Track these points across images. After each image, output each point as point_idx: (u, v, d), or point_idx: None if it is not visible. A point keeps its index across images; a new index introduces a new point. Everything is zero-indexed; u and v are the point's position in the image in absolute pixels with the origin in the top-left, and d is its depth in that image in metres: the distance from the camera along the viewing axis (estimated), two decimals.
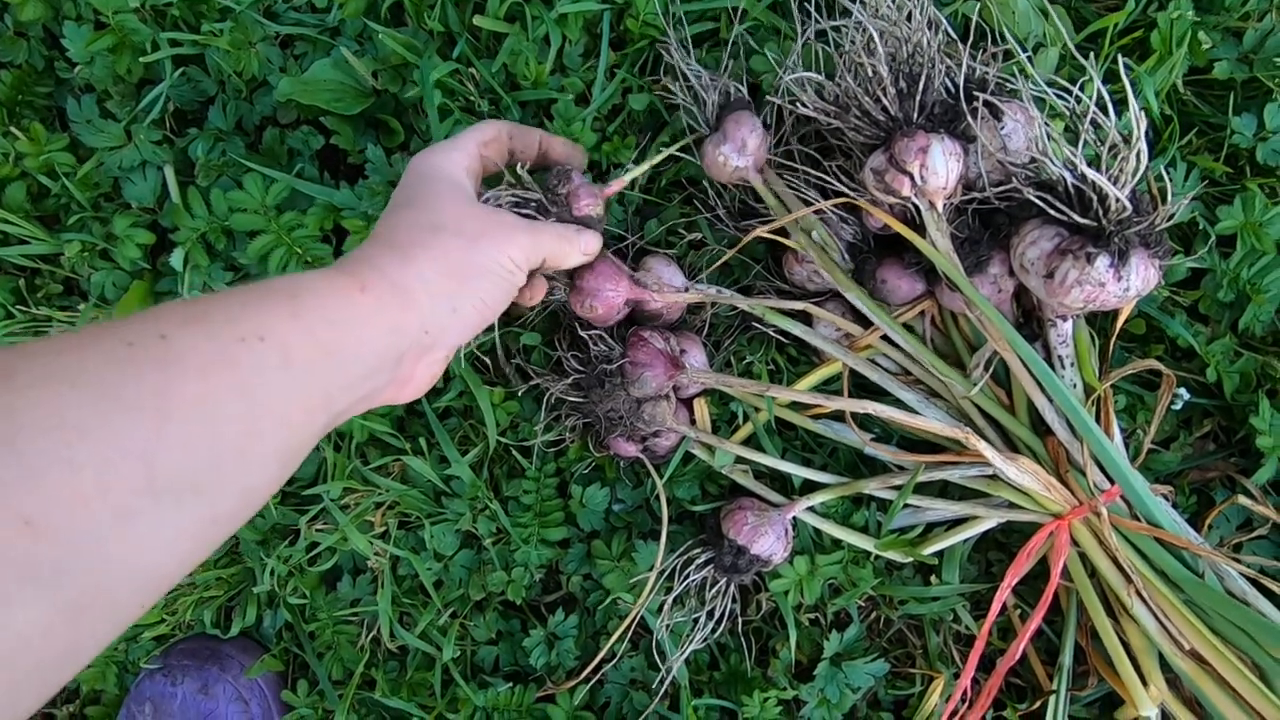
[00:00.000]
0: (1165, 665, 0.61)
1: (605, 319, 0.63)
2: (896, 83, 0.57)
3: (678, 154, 0.67)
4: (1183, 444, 0.70)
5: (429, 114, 0.66)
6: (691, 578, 0.66)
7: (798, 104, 0.62)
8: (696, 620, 0.67)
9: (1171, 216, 0.54)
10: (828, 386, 0.70)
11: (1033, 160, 0.58)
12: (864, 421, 0.70)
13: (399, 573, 0.74)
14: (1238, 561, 0.61)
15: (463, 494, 0.71)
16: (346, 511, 0.72)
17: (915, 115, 0.57)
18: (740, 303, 0.66)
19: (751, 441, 0.69)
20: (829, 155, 0.66)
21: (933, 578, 0.70)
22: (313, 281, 0.40)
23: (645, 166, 0.64)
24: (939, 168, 0.56)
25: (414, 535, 0.73)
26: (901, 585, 0.70)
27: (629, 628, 0.69)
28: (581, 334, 0.64)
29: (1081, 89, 0.55)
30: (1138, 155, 0.52)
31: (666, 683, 0.69)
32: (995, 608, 0.63)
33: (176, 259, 0.69)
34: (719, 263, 0.68)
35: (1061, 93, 0.56)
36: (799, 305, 0.66)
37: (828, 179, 0.63)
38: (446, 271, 0.45)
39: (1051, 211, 0.55)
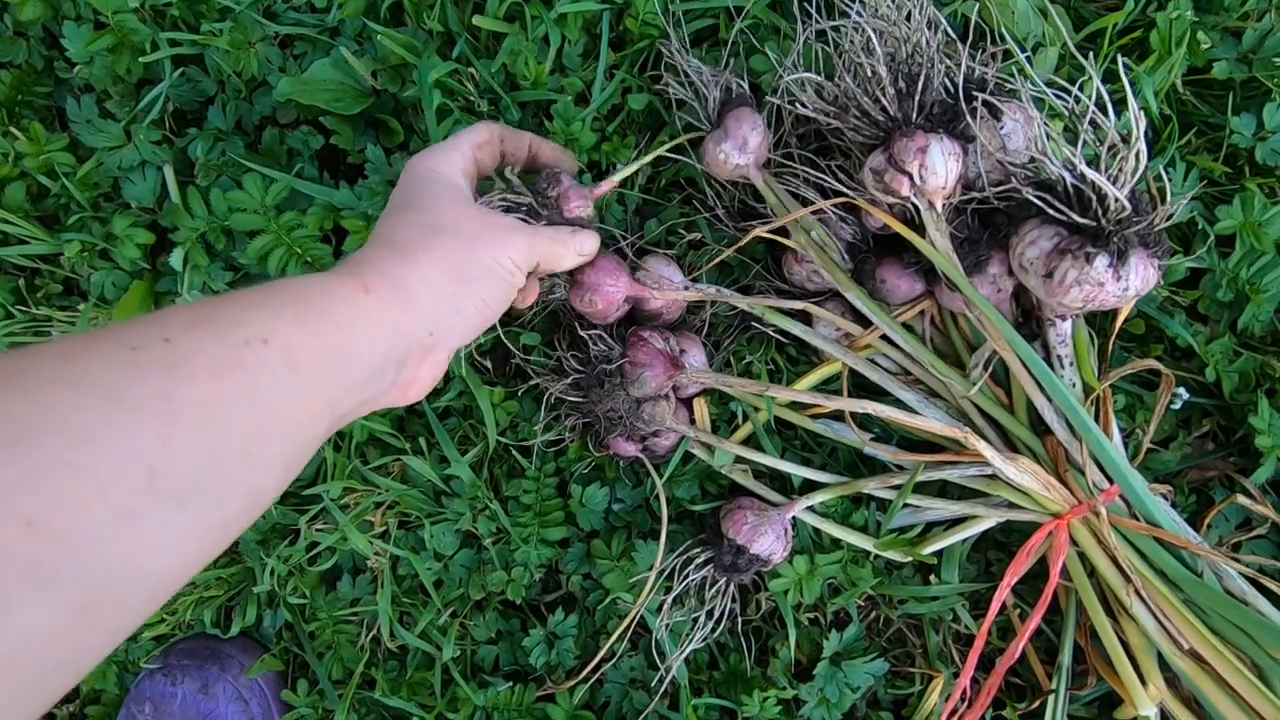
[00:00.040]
0: (1164, 664, 0.62)
1: (605, 314, 0.63)
2: (896, 83, 0.57)
3: (677, 153, 0.67)
4: (1182, 443, 0.70)
5: (427, 114, 0.66)
6: (691, 577, 0.66)
7: (797, 104, 0.62)
8: (696, 620, 0.67)
9: (1170, 216, 0.54)
10: (827, 386, 0.70)
11: (1032, 160, 0.58)
12: (863, 421, 0.70)
13: (399, 572, 0.74)
14: (1236, 561, 0.61)
15: (462, 494, 0.71)
16: (346, 511, 0.72)
17: (914, 115, 0.57)
18: (740, 302, 0.66)
19: (751, 441, 0.69)
20: (828, 155, 0.66)
21: (932, 577, 0.70)
22: (317, 284, 0.40)
23: (633, 167, 0.64)
24: (938, 167, 0.56)
25: (414, 535, 0.73)
26: (901, 585, 0.70)
27: (629, 627, 0.69)
28: (581, 333, 0.64)
29: (1081, 89, 0.55)
30: (1137, 155, 0.52)
31: (666, 682, 0.69)
32: (994, 607, 0.63)
33: (176, 259, 0.69)
34: (717, 260, 0.68)
35: (1061, 93, 0.56)
36: (799, 305, 0.66)
37: (827, 179, 0.63)
38: (448, 272, 0.45)
39: (1050, 211, 0.55)
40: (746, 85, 0.65)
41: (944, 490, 0.69)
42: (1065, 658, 0.67)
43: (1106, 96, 0.53)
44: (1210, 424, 0.71)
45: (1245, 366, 0.67)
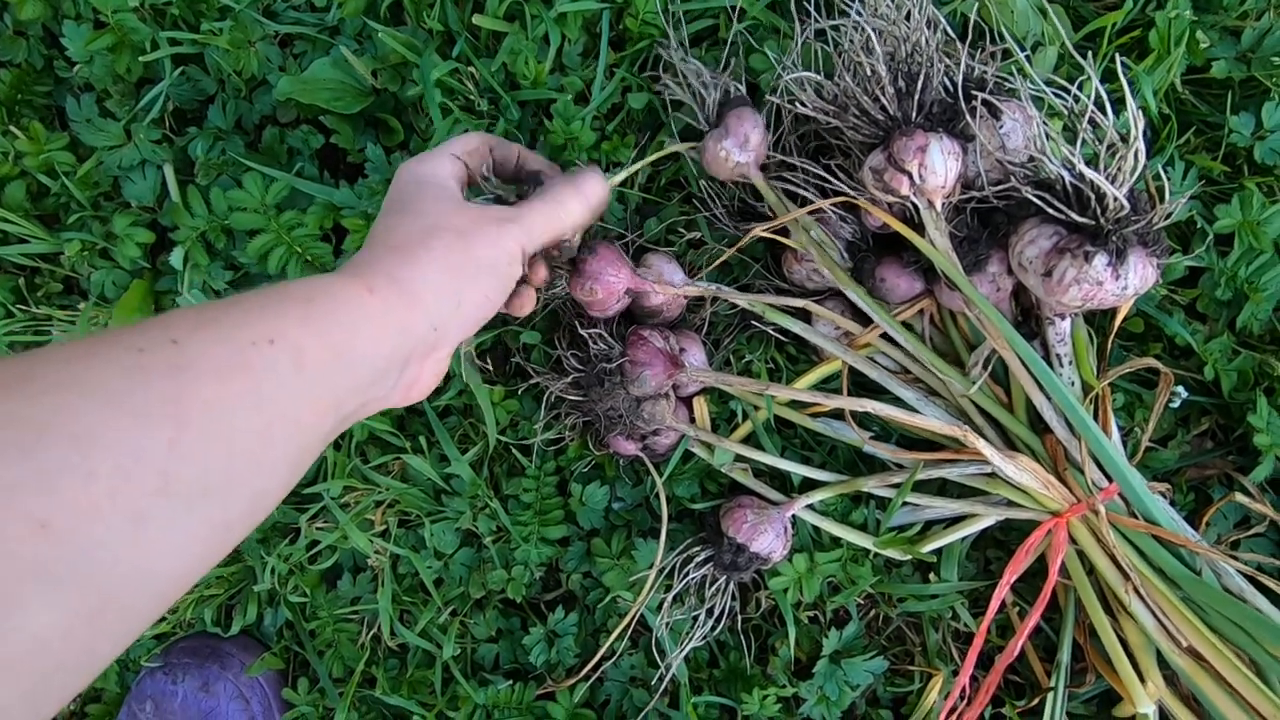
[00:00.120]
0: (1163, 662, 0.62)
1: (605, 305, 0.62)
2: (895, 82, 0.57)
3: (679, 152, 0.67)
4: (1180, 442, 0.70)
5: (431, 113, 0.66)
6: (691, 575, 0.66)
7: (796, 103, 0.62)
8: (696, 618, 0.67)
9: (1169, 215, 0.54)
10: (827, 385, 0.70)
11: (1031, 159, 0.58)
12: (863, 420, 0.70)
13: (399, 571, 0.74)
14: (1235, 559, 0.62)
15: (463, 492, 0.72)
16: (347, 510, 0.72)
17: (914, 114, 0.57)
18: (740, 300, 0.66)
19: (751, 440, 0.70)
20: (828, 154, 0.66)
21: (931, 575, 0.70)
22: (321, 285, 0.40)
23: (625, 173, 0.63)
24: (937, 167, 0.56)
25: (414, 533, 0.73)
26: (900, 583, 0.70)
27: (629, 625, 0.69)
28: (581, 332, 0.64)
29: (1080, 88, 0.55)
30: (1136, 154, 0.52)
31: (666, 680, 0.69)
32: (994, 605, 0.64)
33: (176, 258, 0.69)
34: (719, 261, 0.68)
35: (1060, 92, 0.56)
36: (799, 303, 0.66)
37: (827, 178, 0.63)
38: (447, 268, 0.45)
39: (1050, 210, 0.55)
40: (744, 87, 0.66)
41: (943, 489, 0.69)
42: (1064, 655, 0.67)
43: (1105, 96, 0.53)
44: (1209, 422, 0.71)
45: (1244, 365, 0.68)
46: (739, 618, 0.72)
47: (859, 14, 0.58)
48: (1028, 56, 0.62)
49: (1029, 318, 0.65)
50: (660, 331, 0.65)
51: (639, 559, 0.69)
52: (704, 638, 0.68)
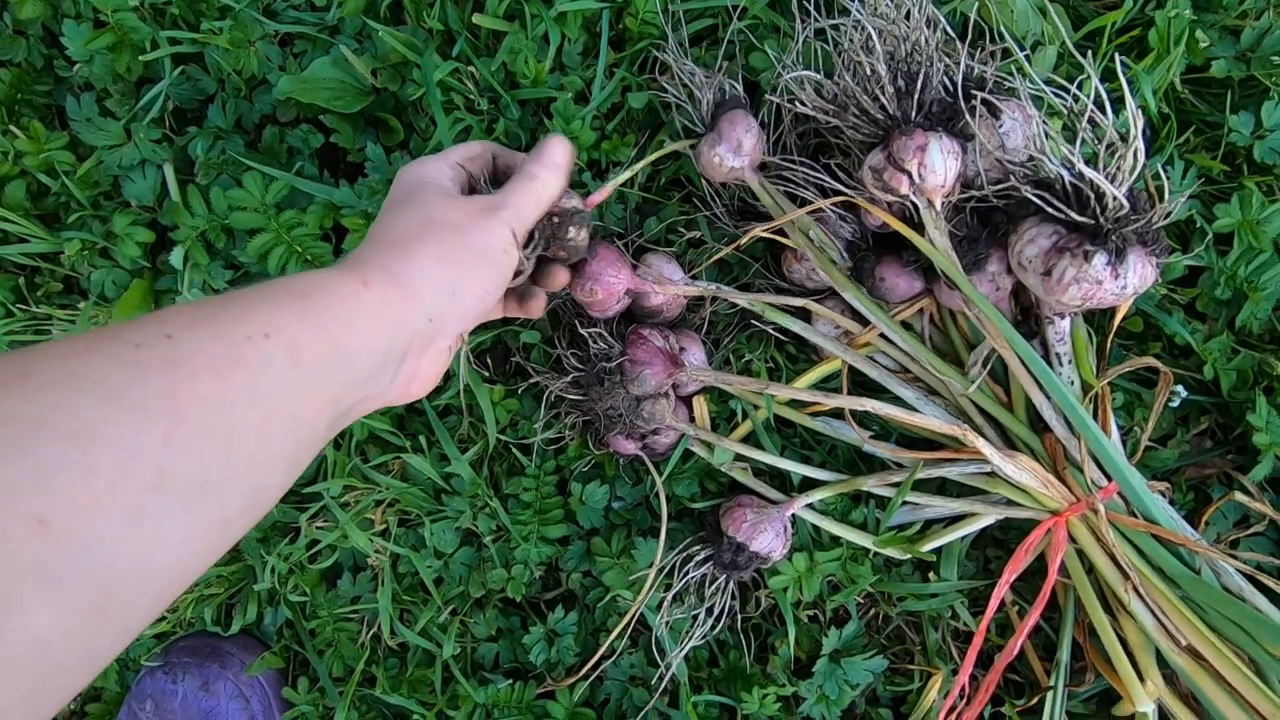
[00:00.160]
0: (1162, 661, 0.62)
1: (605, 306, 0.62)
2: (895, 81, 0.57)
3: (678, 150, 0.67)
4: (1180, 441, 0.70)
5: (434, 113, 0.66)
6: (691, 575, 0.66)
7: (796, 102, 0.62)
8: (696, 617, 0.67)
9: (1169, 214, 0.54)
10: (826, 384, 0.70)
11: (1030, 158, 0.58)
12: (863, 419, 0.70)
13: (399, 570, 0.74)
14: (1234, 558, 0.62)
15: (463, 492, 0.72)
16: (347, 509, 0.72)
17: (913, 113, 0.57)
18: (739, 299, 0.66)
19: (750, 439, 0.70)
20: (827, 153, 0.66)
21: (931, 574, 0.71)
22: (317, 280, 0.40)
23: (626, 174, 0.63)
24: (937, 166, 0.56)
25: (414, 533, 0.73)
26: (900, 582, 0.70)
27: (629, 625, 0.69)
28: (581, 331, 0.64)
29: (1079, 87, 0.55)
30: (1135, 153, 0.52)
31: (666, 679, 0.69)
32: (993, 604, 0.64)
33: (176, 257, 0.69)
34: (716, 256, 0.68)
35: (1059, 91, 0.56)
36: (799, 302, 0.66)
37: (826, 177, 0.63)
38: (442, 259, 0.46)
39: (1049, 209, 0.55)
40: (741, 85, 0.65)
41: (943, 488, 0.69)
42: (1064, 654, 0.67)
43: (1105, 95, 0.53)
44: (1208, 421, 0.71)
45: (1243, 364, 0.68)
46: (739, 617, 0.72)
47: (859, 13, 0.58)
48: (1027, 56, 0.62)
49: (1028, 317, 0.65)
50: (660, 330, 0.65)
51: (639, 558, 0.69)
52: (704, 637, 0.68)
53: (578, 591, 0.74)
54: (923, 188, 0.57)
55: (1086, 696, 0.69)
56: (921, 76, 0.57)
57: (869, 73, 0.58)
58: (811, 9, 0.62)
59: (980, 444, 0.61)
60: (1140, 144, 0.52)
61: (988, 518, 0.66)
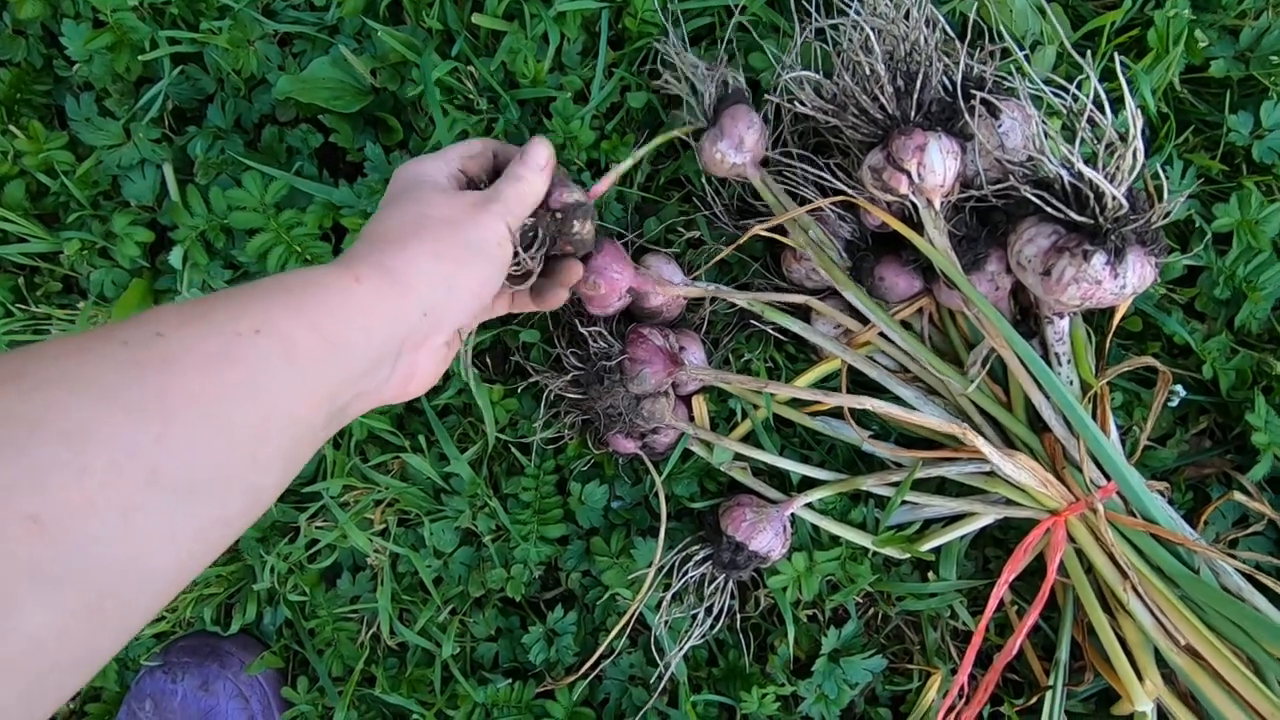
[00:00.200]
0: (1161, 660, 0.62)
1: (606, 301, 0.62)
2: (894, 81, 0.57)
3: (675, 149, 0.67)
4: (1179, 440, 0.70)
5: (432, 113, 0.66)
6: (690, 574, 0.66)
7: (795, 102, 0.62)
8: (695, 616, 0.68)
9: (1168, 214, 0.54)
10: (826, 384, 0.70)
11: (1030, 158, 0.58)
12: (862, 418, 0.70)
13: (398, 570, 0.74)
14: (1233, 557, 0.62)
15: (462, 491, 0.72)
16: (346, 509, 0.72)
17: (913, 113, 0.57)
18: (739, 298, 0.66)
19: (750, 438, 0.70)
20: (827, 153, 0.66)
21: (930, 574, 0.71)
22: (309, 276, 0.40)
23: (627, 164, 0.62)
24: (936, 166, 0.56)
25: (413, 532, 0.73)
26: (899, 581, 0.70)
27: (628, 624, 0.70)
28: (581, 330, 0.65)
29: (1079, 87, 0.55)
30: (1134, 153, 0.52)
31: (665, 679, 0.69)
32: (992, 604, 0.64)
33: (176, 257, 0.69)
34: (717, 259, 0.68)
35: (1059, 91, 0.56)
36: (799, 299, 0.66)
37: (826, 177, 0.63)
38: (435, 254, 0.46)
39: (1048, 209, 0.55)
40: (743, 79, 0.65)
41: (942, 487, 0.69)
42: (1062, 654, 0.67)
43: (1104, 95, 0.53)
44: (1207, 421, 0.71)
45: (1242, 364, 0.68)
46: (738, 616, 0.72)
47: (858, 13, 0.58)
48: (1026, 55, 0.62)
49: (1027, 316, 0.65)
50: (660, 330, 0.65)
51: (638, 557, 0.69)
52: (703, 636, 0.68)
53: (577, 591, 0.74)
54: (922, 187, 0.57)
55: (1085, 696, 0.69)
56: (920, 76, 0.57)
57: (868, 72, 0.58)
58: (811, 8, 0.62)
59: (979, 443, 0.61)
60: (1139, 144, 0.52)
61: (987, 517, 0.66)
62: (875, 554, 0.69)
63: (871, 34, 0.56)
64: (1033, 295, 0.61)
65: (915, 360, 0.66)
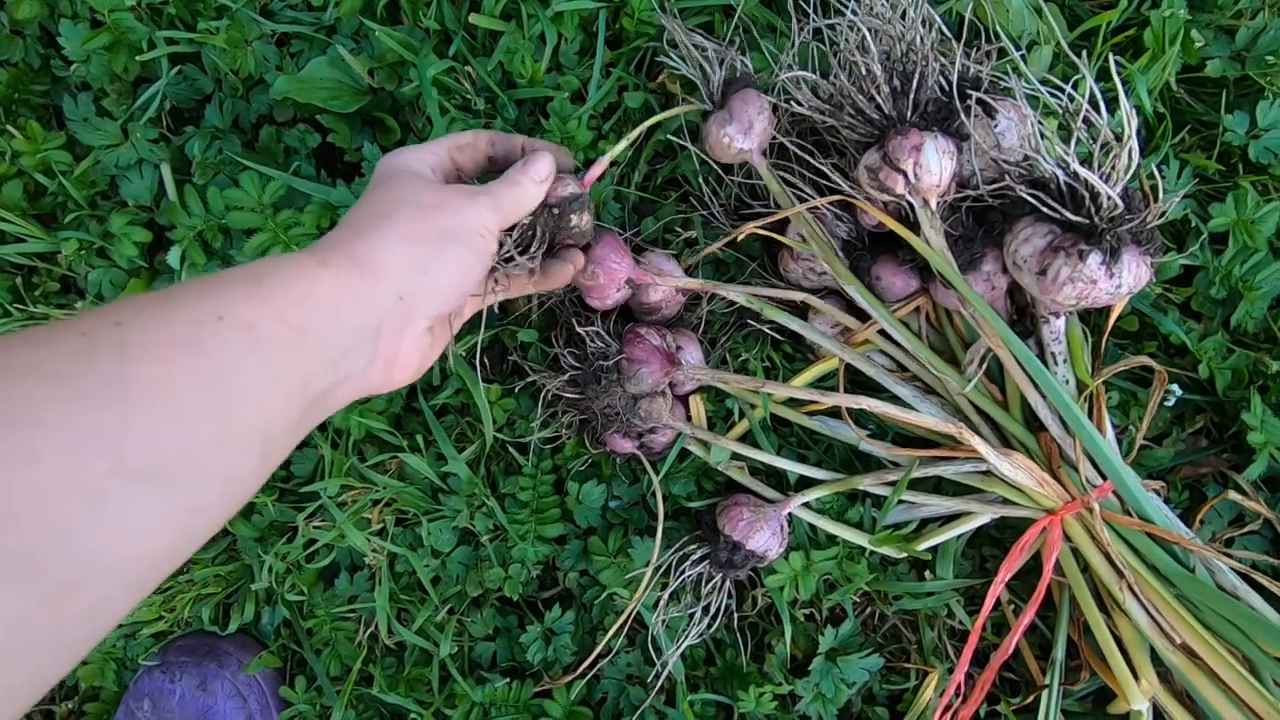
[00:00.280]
0: (1157, 659, 0.62)
1: (605, 292, 0.62)
2: (890, 81, 0.58)
3: (676, 146, 0.67)
4: (1175, 440, 0.71)
5: (429, 112, 0.66)
6: (687, 573, 0.67)
7: (792, 102, 0.62)
8: (692, 616, 0.68)
9: (1164, 214, 0.55)
10: (823, 383, 0.70)
11: (1026, 158, 0.58)
12: (859, 418, 0.70)
13: (396, 569, 0.74)
14: (1229, 556, 0.62)
15: (460, 491, 0.72)
16: (344, 509, 0.72)
17: (909, 113, 0.57)
18: (738, 294, 0.66)
19: (747, 438, 0.70)
20: (823, 153, 0.66)
21: (927, 573, 0.71)
22: (273, 263, 0.40)
23: (623, 144, 0.62)
24: (933, 165, 0.56)
25: (411, 532, 0.73)
26: (896, 580, 0.71)
27: (625, 623, 0.70)
28: (579, 330, 0.65)
29: (1074, 87, 0.55)
30: (1130, 153, 0.52)
31: (663, 678, 0.69)
32: (989, 603, 0.64)
33: (173, 257, 0.69)
34: (714, 246, 0.67)
35: (1055, 91, 0.56)
36: (798, 295, 0.66)
37: (827, 169, 0.63)
38: (407, 238, 0.45)
39: (1044, 209, 0.55)
40: (751, 65, 0.65)
41: (939, 487, 0.69)
42: (1059, 653, 0.67)
43: (1100, 95, 0.53)
44: (1203, 420, 0.71)
45: (1238, 363, 0.68)
46: (735, 615, 0.72)
47: (854, 13, 0.58)
48: (1023, 55, 0.62)
49: (1024, 316, 0.65)
50: (657, 329, 0.66)
51: (635, 557, 0.69)
52: (700, 635, 0.68)
53: (575, 590, 0.74)
54: (918, 187, 0.57)
55: (1082, 695, 0.70)
56: (917, 76, 0.57)
57: (864, 72, 0.58)
58: (808, 9, 0.63)
59: (976, 442, 0.61)
60: (1135, 143, 0.52)
61: (983, 516, 0.66)
62: (872, 553, 0.69)
63: (867, 34, 0.56)
64: (1029, 295, 0.61)
65: (913, 359, 0.66)
